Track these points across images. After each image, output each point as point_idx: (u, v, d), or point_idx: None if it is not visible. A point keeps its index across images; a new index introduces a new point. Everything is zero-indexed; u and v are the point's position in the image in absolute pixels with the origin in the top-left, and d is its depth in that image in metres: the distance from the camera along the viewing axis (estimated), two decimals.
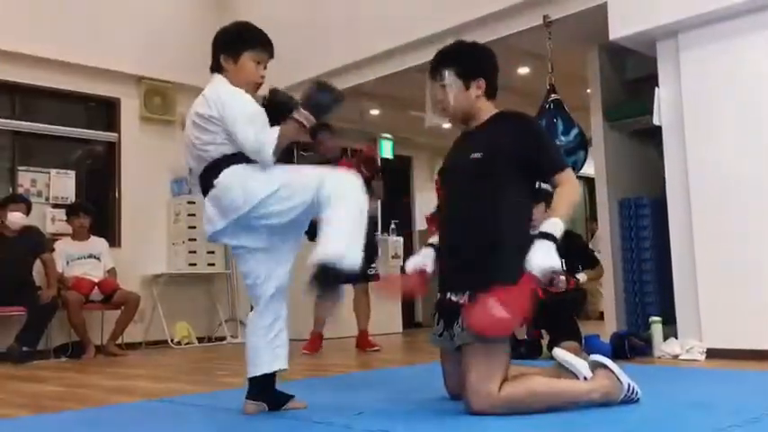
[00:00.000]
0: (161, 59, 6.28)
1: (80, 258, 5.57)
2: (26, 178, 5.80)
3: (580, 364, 2.31)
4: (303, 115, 2.31)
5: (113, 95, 6.25)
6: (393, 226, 7.44)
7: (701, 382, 3.09)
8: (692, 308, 3.97)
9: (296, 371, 3.65)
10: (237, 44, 2.42)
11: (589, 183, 6.84)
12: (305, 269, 2.19)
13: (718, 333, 3.84)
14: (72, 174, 6.04)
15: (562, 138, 4.45)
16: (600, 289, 5.83)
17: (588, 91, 5.16)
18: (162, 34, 6.32)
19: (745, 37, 3.86)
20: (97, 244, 5.71)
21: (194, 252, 6.19)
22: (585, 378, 2.28)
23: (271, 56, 2.48)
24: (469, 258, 2.38)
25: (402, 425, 2.18)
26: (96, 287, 5.48)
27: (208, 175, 2.37)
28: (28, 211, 5.31)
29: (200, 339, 6.30)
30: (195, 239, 6.14)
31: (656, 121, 4.23)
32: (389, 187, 8.01)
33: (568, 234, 4.66)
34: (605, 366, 2.31)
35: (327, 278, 2.15)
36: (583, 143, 4.55)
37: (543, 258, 2.19)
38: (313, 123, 2.33)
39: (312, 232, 2.64)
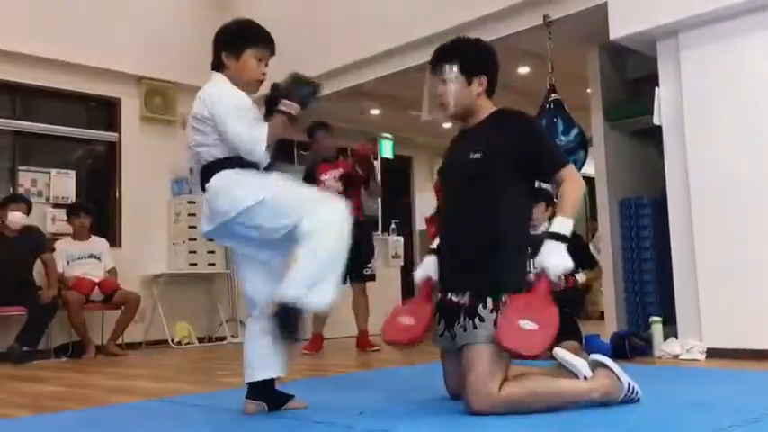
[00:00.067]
0: (161, 59, 6.29)
1: (80, 258, 5.57)
2: (26, 178, 5.81)
3: (580, 364, 2.31)
4: (288, 105, 2.32)
5: (114, 95, 6.26)
6: (393, 226, 7.45)
7: (701, 382, 3.08)
8: (692, 308, 3.97)
9: (296, 371, 3.65)
10: (239, 41, 2.42)
11: (589, 182, 6.83)
12: None
13: (719, 333, 3.84)
14: (72, 174, 6.05)
15: (562, 138, 4.45)
16: (601, 289, 5.83)
17: (588, 91, 5.16)
18: (162, 34, 6.32)
19: (745, 37, 3.85)
20: (97, 244, 5.71)
21: (195, 252, 6.19)
22: (586, 378, 2.28)
23: (272, 53, 2.48)
24: (470, 258, 2.38)
25: (402, 425, 2.18)
26: (97, 287, 5.48)
27: (203, 177, 2.40)
28: (28, 211, 5.31)
29: (201, 339, 6.30)
30: (195, 239, 6.14)
31: (656, 121, 4.23)
32: (390, 187, 8.07)
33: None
34: (605, 366, 2.31)
35: (286, 319, 2.13)
36: (583, 143, 4.55)
37: (557, 260, 2.20)
38: (299, 112, 2.33)
39: None
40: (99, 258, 5.66)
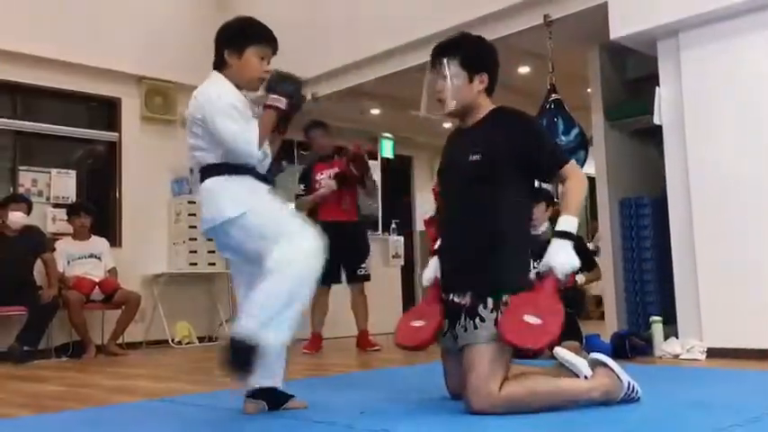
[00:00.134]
0: (162, 59, 6.29)
1: (81, 258, 5.57)
2: (27, 178, 5.81)
3: (581, 363, 2.31)
4: (274, 99, 2.31)
5: (114, 95, 6.26)
6: (393, 225, 7.45)
7: (701, 382, 3.08)
8: (692, 307, 3.97)
9: (296, 370, 3.65)
10: (241, 39, 2.41)
11: (590, 182, 6.82)
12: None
13: (719, 332, 3.84)
14: (73, 173, 6.05)
15: (563, 137, 4.45)
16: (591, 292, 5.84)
17: (589, 90, 5.16)
18: (162, 34, 6.33)
19: (746, 36, 3.85)
20: (98, 244, 5.72)
21: (195, 252, 6.19)
22: (586, 377, 2.28)
23: (274, 52, 2.47)
24: (470, 259, 2.37)
25: (403, 424, 2.18)
26: (97, 287, 5.48)
27: (201, 179, 2.41)
28: (29, 211, 5.31)
29: (201, 339, 6.30)
30: (196, 239, 6.14)
31: (656, 121, 4.23)
32: (390, 187, 8.07)
33: None
34: (605, 365, 2.30)
35: (238, 353, 2.08)
36: (583, 143, 4.55)
37: (564, 258, 2.19)
38: (286, 105, 2.33)
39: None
40: (99, 258, 5.66)
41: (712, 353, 3.82)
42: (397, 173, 8.49)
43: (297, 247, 2.21)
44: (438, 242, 2.62)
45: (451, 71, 2.42)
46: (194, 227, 6.08)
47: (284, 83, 2.33)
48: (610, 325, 4.76)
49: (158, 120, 6.40)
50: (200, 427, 2.42)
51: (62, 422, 2.58)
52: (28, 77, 5.75)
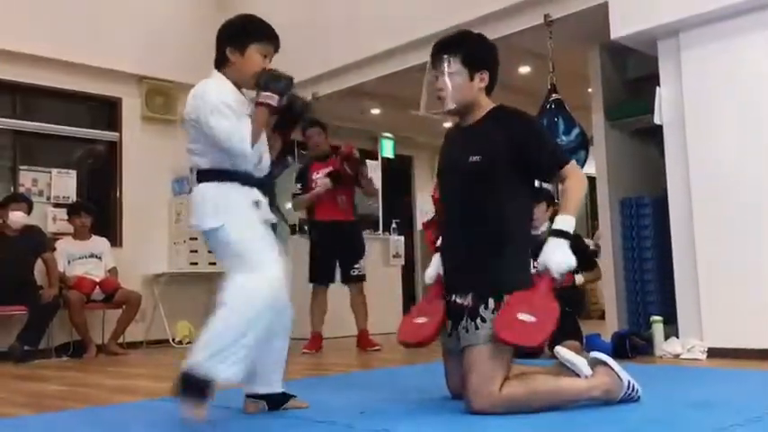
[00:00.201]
0: (162, 59, 6.29)
1: (81, 258, 5.58)
2: (27, 178, 5.81)
3: (581, 363, 2.31)
4: (266, 96, 2.29)
5: (115, 95, 6.26)
6: (394, 225, 7.45)
7: (702, 382, 3.08)
8: (693, 307, 3.97)
9: (296, 370, 3.65)
10: (244, 36, 2.39)
11: (590, 182, 6.82)
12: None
13: (720, 332, 3.84)
14: (73, 173, 6.05)
15: (563, 137, 4.45)
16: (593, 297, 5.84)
17: (589, 90, 5.16)
18: (163, 34, 6.33)
19: (746, 36, 3.85)
20: (98, 243, 5.72)
21: (195, 251, 6.19)
22: (587, 377, 2.28)
23: (276, 49, 2.45)
24: (471, 260, 2.37)
25: (403, 424, 2.18)
26: (97, 286, 5.49)
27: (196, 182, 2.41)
28: (29, 211, 5.31)
29: None
30: (196, 239, 6.12)
31: (656, 121, 4.23)
32: (390, 187, 8.07)
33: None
34: (605, 364, 2.30)
35: (189, 384, 2.09)
36: (584, 143, 4.55)
37: (560, 257, 2.19)
38: (278, 102, 2.31)
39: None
40: (100, 258, 5.66)
41: (713, 353, 3.81)
42: (398, 173, 8.49)
43: (256, 280, 2.19)
44: (439, 241, 2.62)
45: (452, 68, 2.40)
46: None
47: (276, 81, 2.31)
48: (610, 324, 4.76)
49: (159, 119, 6.40)
50: (201, 427, 2.41)
51: (63, 422, 2.58)
52: (28, 77, 5.75)
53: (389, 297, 6.59)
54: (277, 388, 2.45)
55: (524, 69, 5.81)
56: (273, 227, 2.49)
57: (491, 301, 2.27)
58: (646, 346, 4.05)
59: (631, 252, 4.75)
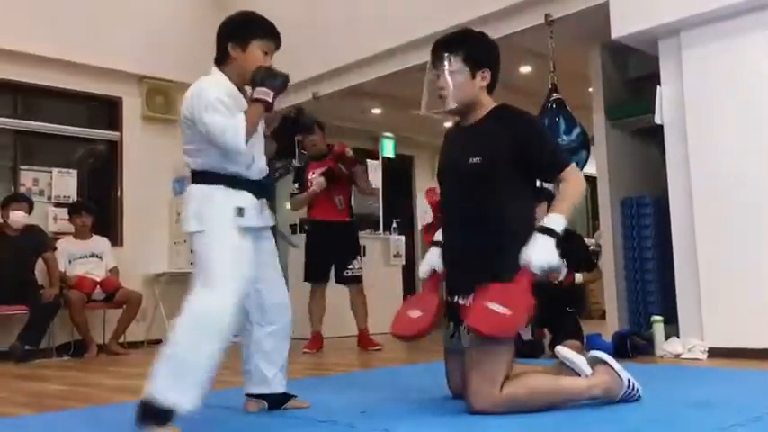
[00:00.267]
0: (162, 58, 6.29)
1: (82, 257, 5.58)
2: (28, 177, 5.81)
3: (582, 362, 2.31)
4: (261, 92, 2.26)
5: (115, 95, 6.26)
6: (395, 225, 7.45)
7: (702, 382, 3.08)
8: (693, 307, 3.96)
9: (297, 370, 3.65)
10: (245, 32, 2.38)
11: (591, 182, 6.83)
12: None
13: (720, 332, 3.83)
14: (74, 173, 6.05)
15: (564, 137, 4.44)
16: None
17: (590, 90, 5.16)
18: (163, 33, 6.33)
19: (747, 36, 3.85)
20: (99, 243, 5.72)
21: None
22: (587, 376, 2.28)
23: (277, 47, 2.44)
24: (473, 260, 2.36)
25: (404, 424, 2.18)
26: (98, 286, 5.49)
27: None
28: (30, 211, 5.32)
29: None
30: None
31: (657, 120, 4.23)
32: (391, 186, 8.07)
33: (570, 233, 4.68)
34: (605, 362, 2.30)
35: (146, 417, 2.05)
36: (585, 142, 4.55)
37: (542, 254, 2.16)
38: (273, 98, 2.28)
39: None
40: (100, 257, 5.67)
41: (713, 352, 3.81)
42: (399, 172, 8.49)
43: (214, 301, 2.13)
44: (438, 234, 2.60)
45: (454, 67, 2.38)
46: None
47: (272, 78, 2.29)
48: (611, 324, 4.76)
49: (159, 119, 6.41)
50: (201, 427, 2.41)
51: (63, 421, 2.58)
52: (29, 77, 5.75)
53: (390, 297, 6.58)
54: (278, 388, 2.45)
55: (525, 69, 5.81)
56: (273, 229, 2.48)
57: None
58: (646, 346, 4.05)
59: (632, 252, 4.75)
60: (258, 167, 2.37)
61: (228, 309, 2.13)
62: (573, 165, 2.38)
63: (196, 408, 2.07)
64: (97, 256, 5.65)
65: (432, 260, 2.56)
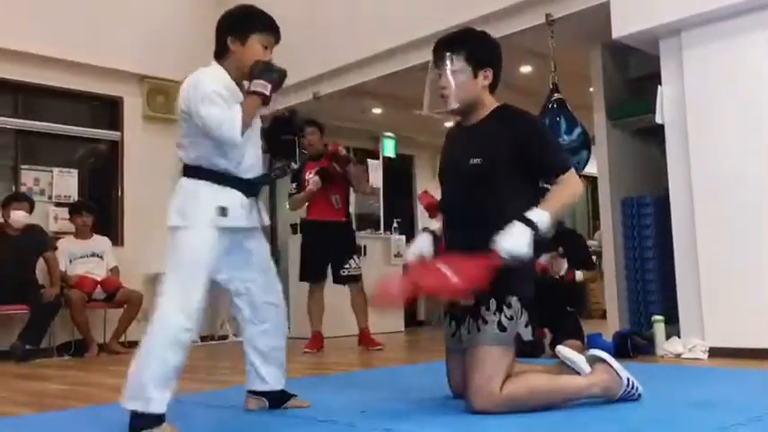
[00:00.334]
0: (163, 58, 6.29)
1: (83, 257, 5.58)
2: (29, 177, 5.82)
3: (581, 361, 2.31)
4: (258, 84, 2.26)
5: (116, 94, 6.27)
6: (395, 225, 7.44)
7: (703, 381, 3.08)
8: (694, 306, 3.96)
9: (298, 369, 3.66)
10: (245, 26, 2.37)
11: (592, 182, 6.84)
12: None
13: (721, 332, 3.83)
14: (75, 172, 6.06)
15: (565, 137, 4.44)
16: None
17: (591, 89, 5.15)
18: (163, 33, 6.33)
19: (748, 35, 3.85)
20: (100, 242, 5.72)
21: None
22: (586, 374, 2.27)
23: (277, 41, 2.43)
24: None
25: (405, 423, 2.18)
26: (99, 285, 5.50)
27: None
28: (31, 210, 5.32)
29: (203, 338, 6.29)
30: None
31: (658, 120, 4.22)
32: (391, 186, 8.07)
33: (571, 233, 4.69)
34: (604, 361, 2.30)
35: (135, 424, 2.11)
36: (586, 142, 4.55)
37: (512, 241, 2.14)
38: (270, 91, 2.27)
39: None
40: (101, 257, 5.67)
41: (714, 352, 3.81)
42: (399, 172, 8.49)
43: (175, 308, 2.18)
44: (434, 222, 2.59)
45: (455, 66, 2.37)
46: None
47: (269, 71, 2.29)
48: (612, 324, 4.76)
49: (160, 119, 6.41)
50: (202, 426, 2.42)
51: (64, 421, 2.58)
52: (30, 76, 5.75)
53: None
54: (276, 385, 2.45)
55: (526, 69, 5.81)
56: (272, 168, 2.49)
57: (493, 303, 2.26)
58: (647, 346, 4.05)
59: (633, 251, 4.75)
60: (249, 165, 2.35)
61: (194, 313, 2.21)
62: (572, 169, 2.37)
63: (165, 403, 2.14)
64: (98, 256, 5.65)
65: (422, 246, 2.52)
